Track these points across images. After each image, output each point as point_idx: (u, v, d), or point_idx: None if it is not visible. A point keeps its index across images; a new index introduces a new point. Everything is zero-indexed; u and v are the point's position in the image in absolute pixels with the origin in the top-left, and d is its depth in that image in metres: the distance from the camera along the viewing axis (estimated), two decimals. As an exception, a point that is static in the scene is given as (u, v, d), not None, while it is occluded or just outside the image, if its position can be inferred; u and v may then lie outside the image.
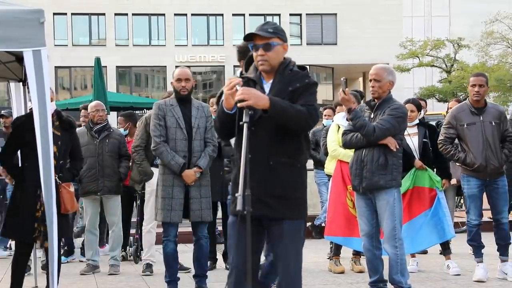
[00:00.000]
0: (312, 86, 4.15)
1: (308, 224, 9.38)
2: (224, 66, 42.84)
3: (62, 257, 7.98)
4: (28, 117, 5.98)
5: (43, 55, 5.02)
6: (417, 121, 7.77)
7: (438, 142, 7.41)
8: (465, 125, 7.15)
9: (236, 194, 3.71)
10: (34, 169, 5.72)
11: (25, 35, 4.97)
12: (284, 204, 4.06)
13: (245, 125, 3.84)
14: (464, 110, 7.24)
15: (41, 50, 5.01)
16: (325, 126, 9.36)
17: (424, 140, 7.65)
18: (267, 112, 3.91)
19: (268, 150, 4.02)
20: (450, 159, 7.59)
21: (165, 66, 42.02)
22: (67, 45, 41.56)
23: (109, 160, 8.24)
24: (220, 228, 9.28)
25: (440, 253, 8.10)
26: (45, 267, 7.01)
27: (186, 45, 43.13)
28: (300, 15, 44.24)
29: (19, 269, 6.18)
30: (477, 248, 7.23)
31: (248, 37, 4.14)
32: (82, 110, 9.67)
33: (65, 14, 41.38)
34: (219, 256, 8.56)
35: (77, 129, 8.63)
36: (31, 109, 6.03)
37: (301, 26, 44.42)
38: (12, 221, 6.06)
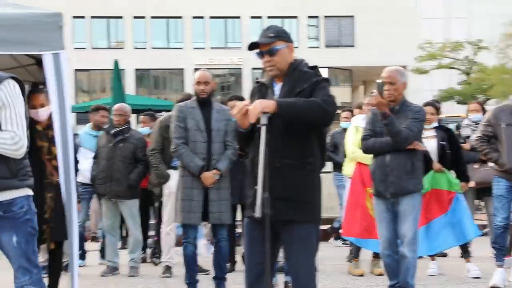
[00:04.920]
0: (321, 82, 4.10)
1: (328, 226, 9.34)
2: (242, 68, 42.85)
3: (80, 260, 7.99)
4: None
5: (62, 58, 5.06)
6: (435, 124, 7.73)
7: (475, 138, 7.38)
8: (502, 125, 7.05)
9: (257, 201, 3.70)
10: (35, 172, 5.73)
11: (44, 39, 5.01)
12: (291, 207, 3.99)
13: (263, 128, 3.83)
14: (504, 111, 7.14)
15: (60, 53, 5.05)
16: (343, 129, 9.34)
17: (441, 143, 7.62)
18: (277, 113, 3.89)
19: (275, 152, 3.95)
20: (483, 158, 7.55)
21: (183, 69, 42.10)
22: (85, 48, 41.78)
23: (119, 165, 8.13)
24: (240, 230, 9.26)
25: (461, 256, 8.05)
26: (66, 268, 7.05)
27: (204, 48, 43.19)
28: (317, 17, 44.18)
29: None
30: (499, 251, 7.13)
31: (253, 46, 4.15)
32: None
33: (84, 17, 41.62)
34: (238, 259, 8.55)
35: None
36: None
37: (319, 28, 44.36)
38: None
